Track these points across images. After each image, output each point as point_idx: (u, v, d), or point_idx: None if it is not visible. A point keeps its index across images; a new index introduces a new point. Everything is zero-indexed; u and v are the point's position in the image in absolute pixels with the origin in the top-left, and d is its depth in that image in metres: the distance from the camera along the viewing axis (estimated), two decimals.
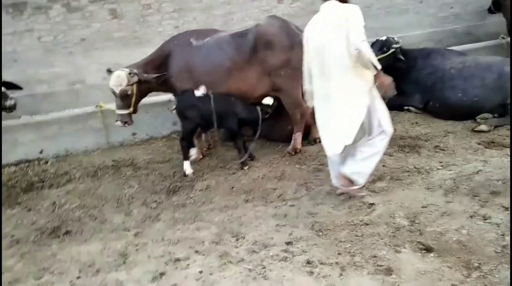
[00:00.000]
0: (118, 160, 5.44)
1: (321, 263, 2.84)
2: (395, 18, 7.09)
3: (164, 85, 4.91)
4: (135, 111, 4.77)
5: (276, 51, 4.54)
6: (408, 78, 5.79)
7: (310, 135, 5.13)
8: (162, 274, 2.96)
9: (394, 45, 5.69)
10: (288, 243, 3.13)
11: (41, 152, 5.72)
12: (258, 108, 4.74)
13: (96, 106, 5.86)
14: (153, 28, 6.38)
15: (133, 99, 4.63)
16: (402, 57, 5.68)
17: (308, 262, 2.86)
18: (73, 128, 5.88)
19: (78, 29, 6.02)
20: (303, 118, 4.89)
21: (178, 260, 3.10)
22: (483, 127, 4.79)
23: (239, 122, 4.70)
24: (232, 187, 4.29)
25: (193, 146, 4.82)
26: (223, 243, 3.26)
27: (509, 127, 4.77)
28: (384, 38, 5.81)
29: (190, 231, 3.53)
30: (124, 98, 4.59)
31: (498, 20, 7.09)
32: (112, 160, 5.46)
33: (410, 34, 7.11)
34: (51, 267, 3.19)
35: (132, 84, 4.55)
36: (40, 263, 3.26)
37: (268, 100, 4.76)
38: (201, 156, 5.17)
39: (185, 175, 4.66)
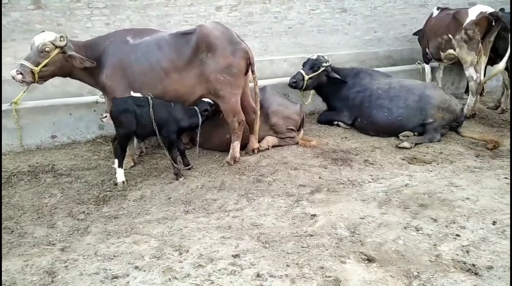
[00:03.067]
0: (35, 165, 4.89)
1: (271, 276, 2.80)
2: (326, 37, 7.47)
3: (91, 78, 4.57)
4: (40, 79, 4.30)
5: (217, 54, 4.47)
6: (338, 95, 6.12)
7: (248, 146, 5.11)
8: None
9: (324, 64, 5.99)
10: (235, 256, 3.04)
11: None
12: (197, 108, 4.59)
13: (11, 104, 5.24)
14: (81, 23, 5.95)
15: (46, 61, 4.21)
16: (335, 75, 5.97)
17: (258, 275, 2.81)
18: None
19: None
20: (241, 126, 4.86)
21: (116, 277, 2.83)
22: (405, 144, 5.20)
23: (179, 129, 4.51)
24: (169, 198, 4.09)
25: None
26: (166, 257, 3.06)
27: (427, 144, 5.25)
28: (314, 56, 6.08)
29: (126, 245, 3.26)
30: (39, 53, 4.19)
31: (414, 47, 7.84)
32: (28, 165, 4.90)
33: (339, 53, 7.54)
34: None
35: (57, 47, 4.22)
36: None
37: (206, 100, 4.66)
38: (132, 164, 4.87)
39: (115, 184, 4.32)
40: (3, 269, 2.94)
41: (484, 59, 6.10)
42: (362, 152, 5.15)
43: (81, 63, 4.31)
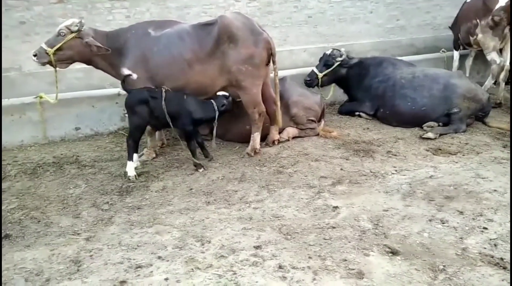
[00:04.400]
0: (60, 156, 4.99)
1: (293, 268, 2.79)
2: (347, 26, 7.32)
3: (113, 69, 4.64)
4: (58, 61, 4.44)
5: (239, 45, 4.44)
6: (360, 85, 6.01)
7: (268, 137, 5.08)
8: (123, 282, 2.72)
9: (338, 58, 5.93)
10: (256, 247, 3.04)
11: None
12: (213, 102, 4.58)
13: (36, 97, 5.35)
14: (102, 16, 5.98)
15: (60, 44, 4.36)
16: (351, 63, 5.93)
17: (280, 267, 2.80)
18: (7, 119, 5.29)
19: (17, 10, 5.46)
20: (261, 117, 4.83)
21: (139, 267, 2.87)
22: (430, 134, 5.08)
23: (194, 122, 4.51)
24: (191, 188, 4.11)
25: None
26: (188, 248, 3.09)
27: (453, 135, 5.11)
28: (329, 52, 6.02)
29: (149, 235, 3.30)
30: (55, 37, 4.41)
31: (438, 35, 7.62)
32: (53, 156, 5.00)
33: (360, 42, 7.39)
34: None
35: (72, 32, 4.37)
36: None
37: (223, 93, 4.64)
38: (154, 155, 4.91)
39: (126, 177, 4.34)
40: (31, 257, 3.02)
41: (509, 46, 5.93)
42: (385, 143, 5.06)
43: (97, 50, 4.38)
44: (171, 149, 5.19)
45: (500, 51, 6.17)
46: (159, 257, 2.98)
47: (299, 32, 7.06)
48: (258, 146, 4.85)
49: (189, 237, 3.23)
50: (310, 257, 2.90)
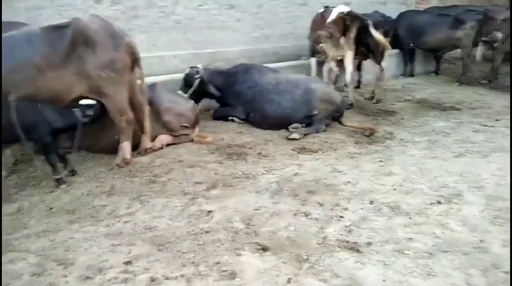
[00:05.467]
0: None
1: (166, 278, 2.73)
2: (216, 33, 7.50)
3: None
4: None
5: (97, 49, 4.17)
6: (231, 91, 6.21)
7: (140, 146, 4.89)
8: None
9: (196, 76, 6.11)
10: (127, 263, 2.89)
11: None
12: (77, 111, 4.22)
13: None
14: None
15: None
16: (210, 89, 6.17)
17: (152, 280, 2.71)
18: None
19: None
20: (129, 126, 4.62)
21: None
22: (295, 135, 5.48)
23: (52, 132, 4.10)
24: (51, 208, 3.73)
25: None
26: (48, 273, 2.79)
27: (314, 135, 5.60)
28: (186, 71, 6.18)
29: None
30: None
31: (298, 43, 8.30)
32: None
33: (230, 50, 7.64)
34: None
35: None
36: None
37: (87, 101, 4.30)
38: (5, 174, 4.32)
39: None
40: None
41: (348, 54, 6.70)
42: (256, 145, 5.30)
43: None
44: (26, 165, 4.63)
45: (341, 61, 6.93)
46: None
47: (169, 38, 6.99)
48: (128, 155, 4.62)
49: (49, 262, 2.91)
50: (183, 265, 2.87)
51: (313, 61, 7.61)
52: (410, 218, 3.48)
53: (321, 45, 6.84)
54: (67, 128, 4.20)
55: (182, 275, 2.76)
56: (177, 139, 5.30)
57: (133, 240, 3.19)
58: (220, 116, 6.35)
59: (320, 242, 3.14)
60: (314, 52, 7.45)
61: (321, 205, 3.70)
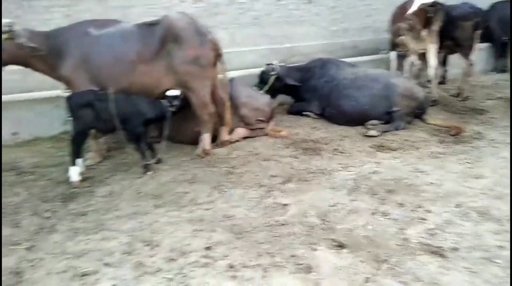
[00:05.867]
0: None
1: (244, 266, 2.81)
2: (294, 27, 7.49)
3: (53, 71, 4.43)
4: None
5: (184, 45, 4.40)
6: (307, 86, 6.19)
7: (218, 138, 5.08)
8: None
9: (272, 73, 6.10)
10: (207, 248, 3.03)
11: None
12: (165, 101, 4.49)
13: None
14: (38, 14, 5.68)
15: None
16: (288, 81, 6.15)
17: (231, 266, 2.81)
18: None
19: None
20: (211, 119, 4.82)
21: (85, 274, 2.76)
22: (373, 132, 5.31)
23: (144, 122, 4.41)
24: (139, 192, 4.01)
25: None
26: (136, 253, 3.01)
27: (394, 132, 5.38)
28: (263, 68, 6.21)
29: (95, 242, 3.18)
30: None
31: (377, 37, 7.98)
32: None
33: (307, 44, 7.58)
34: None
35: (5, 32, 4.11)
36: None
37: (174, 91, 4.55)
38: (99, 159, 4.75)
39: (70, 183, 4.16)
40: None
41: (431, 47, 6.30)
42: (332, 141, 5.23)
43: (31, 51, 4.18)
44: (118, 152, 5.04)
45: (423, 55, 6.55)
46: (106, 264, 2.88)
47: (247, 33, 7.13)
48: (208, 147, 4.83)
49: (138, 242, 3.15)
50: (260, 255, 2.94)
51: (393, 55, 7.29)
52: (501, 225, 3.22)
53: (401, 37, 6.54)
54: (156, 119, 4.49)
55: (258, 265, 2.83)
56: (253, 132, 5.41)
57: (213, 227, 3.33)
58: (295, 111, 6.35)
59: (400, 244, 3.03)
60: (394, 46, 7.13)
61: (402, 205, 3.56)
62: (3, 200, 3.87)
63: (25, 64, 4.40)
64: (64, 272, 2.79)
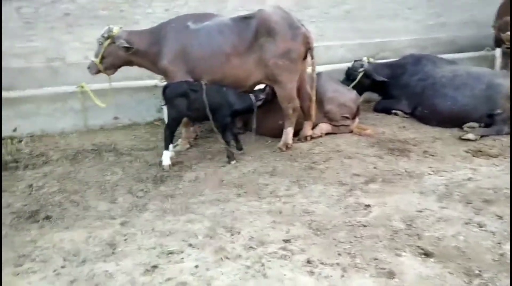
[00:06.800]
0: (98, 144, 5.19)
1: (322, 263, 2.78)
2: (386, 22, 7.15)
3: (153, 64, 4.78)
4: (106, 69, 4.78)
5: (277, 39, 4.44)
6: (397, 83, 5.89)
7: (301, 132, 5.06)
8: (154, 267, 2.79)
9: (360, 69, 5.90)
10: (286, 241, 3.04)
11: (15, 130, 5.36)
12: (252, 95, 4.61)
13: (77, 86, 5.56)
14: (141, 8, 6.11)
15: (102, 52, 4.64)
16: (377, 77, 5.87)
17: (308, 262, 2.79)
18: (50, 107, 5.57)
19: (62, 2, 5.68)
20: (295, 113, 4.82)
21: (171, 253, 2.94)
22: (470, 135, 4.89)
23: (233, 114, 4.56)
24: (222, 180, 4.16)
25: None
26: (218, 237, 3.14)
27: (494, 137, 4.90)
28: (350, 65, 6.04)
29: (181, 223, 3.37)
30: (98, 47, 4.70)
31: (481, 32, 7.30)
32: (92, 143, 5.20)
33: (399, 39, 7.20)
34: (31, 254, 2.96)
35: (107, 38, 4.61)
36: (19, 249, 3.02)
37: (260, 85, 4.64)
38: (188, 146, 5.01)
39: (160, 165, 4.43)
40: (69, 238, 3.16)
41: None
42: (422, 142, 4.92)
43: (126, 50, 4.57)
44: (204, 141, 5.28)
45: None
46: (190, 245, 3.04)
47: (337, 27, 6.96)
48: (290, 141, 4.84)
49: (219, 227, 3.27)
50: (339, 254, 2.87)
51: (498, 52, 6.62)
52: None
53: (508, 33, 5.91)
54: (243, 111, 4.63)
55: (337, 263, 2.77)
56: (337, 129, 5.29)
57: (292, 220, 3.34)
58: (382, 109, 6.09)
59: (496, 259, 2.75)
60: (499, 42, 6.47)
61: (500, 218, 3.23)
62: (103, 177, 4.28)
63: (130, 63, 4.84)
64: (152, 249, 3.00)
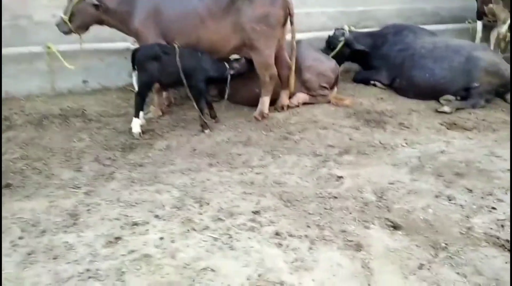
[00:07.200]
0: (66, 109, 4.95)
1: (290, 235, 2.74)
2: None
3: (124, 25, 4.54)
4: (77, 28, 4.49)
5: (255, 2, 4.26)
6: (378, 53, 5.78)
7: (278, 102, 4.94)
8: (117, 238, 2.69)
9: (341, 38, 5.74)
10: (255, 212, 2.98)
11: None
12: (226, 64, 4.46)
13: (44, 46, 5.24)
14: None
15: (71, 9, 4.36)
16: (357, 47, 5.73)
17: (277, 234, 2.74)
18: (15, 68, 5.23)
19: None
20: (272, 81, 4.68)
21: (135, 224, 2.84)
22: (446, 108, 4.87)
23: (207, 80, 4.39)
24: (195, 149, 4.04)
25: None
26: (186, 208, 3.05)
27: (470, 110, 4.90)
28: (331, 33, 5.86)
29: (148, 193, 3.26)
30: (68, 3, 4.40)
31: (465, 4, 7.19)
32: (59, 108, 4.96)
33: (382, 8, 7.03)
34: None
35: None
36: None
37: (236, 55, 4.49)
38: (160, 113, 4.83)
39: (130, 133, 4.27)
40: (29, 208, 3.02)
41: None
42: (398, 114, 4.89)
43: (96, 8, 4.32)
44: (178, 108, 5.10)
45: None
46: (156, 216, 2.94)
47: None
48: (266, 110, 4.72)
49: (188, 198, 3.18)
50: (308, 226, 2.84)
51: (479, 24, 6.54)
52: None
53: (490, 5, 5.83)
54: (217, 79, 4.46)
55: (306, 236, 2.73)
56: (314, 99, 5.19)
57: (263, 191, 3.27)
58: (361, 79, 6.00)
59: (463, 232, 2.77)
60: (481, 14, 6.38)
61: (470, 191, 3.24)
62: (68, 144, 4.09)
63: (101, 22, 4.56)
64: (116, 220, 2.89)
